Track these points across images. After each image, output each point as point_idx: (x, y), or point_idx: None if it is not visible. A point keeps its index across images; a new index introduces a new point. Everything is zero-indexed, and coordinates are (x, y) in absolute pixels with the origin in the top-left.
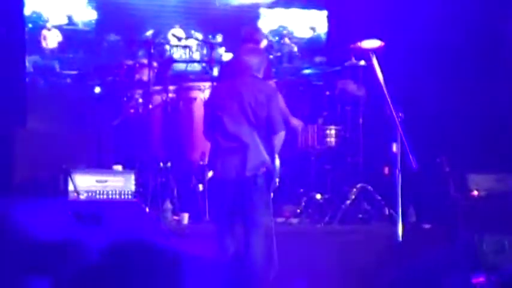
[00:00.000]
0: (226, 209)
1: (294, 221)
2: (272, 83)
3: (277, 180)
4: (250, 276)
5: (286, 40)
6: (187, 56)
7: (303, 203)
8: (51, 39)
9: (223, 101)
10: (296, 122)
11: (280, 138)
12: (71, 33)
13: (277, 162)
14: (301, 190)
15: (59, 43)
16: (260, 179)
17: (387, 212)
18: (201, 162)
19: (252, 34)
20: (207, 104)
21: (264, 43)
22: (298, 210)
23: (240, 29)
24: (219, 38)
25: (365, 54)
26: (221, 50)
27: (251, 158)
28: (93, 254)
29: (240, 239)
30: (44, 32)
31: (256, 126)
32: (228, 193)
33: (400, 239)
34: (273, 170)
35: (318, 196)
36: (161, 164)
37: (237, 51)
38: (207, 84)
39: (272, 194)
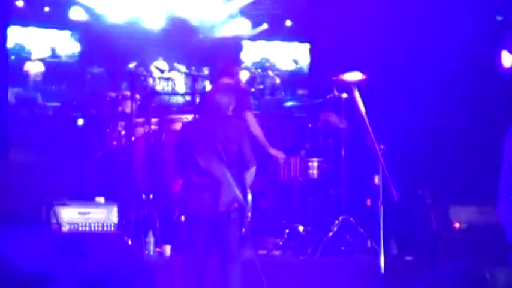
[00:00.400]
0: (201, 243)
1: (277, 253)
2: (250, 114)
3: (249, 215)
4: None
5: (269, 72)
6: (170, 88)
7: (286, 235)
8: (35, 71)
9: (194, 138)
10: (276, 153)
11: (251, 173)
12: (54, 66)
13: (249, 197)
14: (284, 222)
15: (42, 75)
16: (233, 214)
17: (369, 244)
18: None
19: (228, 68)
20: (178, 141)
21: (245, 75)
22: (281, 242)
23: (218, 62)
24: (206, 71)
25: (347, 86)
26: (206, 82)
27: (224, 194)
28: (75, 285)
29: (214, 272)
30: (28, 64)
31: (227, 162)
32: (202, 228)
33: (382, 271)
34: (245, 205)
35: (301, 228)
36: (143, 196)
37: (214, 85)
38: (190, 116)
39: (244, 230)
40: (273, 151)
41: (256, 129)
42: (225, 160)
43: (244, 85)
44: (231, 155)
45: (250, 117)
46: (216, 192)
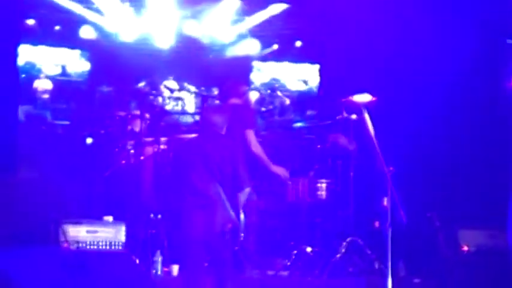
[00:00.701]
0: (197, 262)
1: (284, 273)
2: (251, 132)
3: (242, 235)
4: None
5: (278, 93)
6: (180, 107)
7: (293, 256)
8: (43, 89)
9: (189, 158)
10: (279, 171)
11: (245, 194)
12: (64, 84)
13: (242, 216)
14: (292, 243)
15: (51, 93)
16: (227, 235)
17: (377, 266)
18: None
19: (236, 88)
20: (174, 161)
21: (254, 96)
22: (289, 263)
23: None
24: (215, 91)
25: (356, 108)
26: (215, 102)
27: (218, 215)
28: None
29: None
30: (37, 82)
31: (221, 182)
32: (197, 247)
33: None
34: (239, 225)
35: (309, 249)
36: (152, 215)
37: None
38: None
39: (237, 248)
40: (275, 168)
41: (256, 148)
42: (220, 180)
43: (251, 104)
44: (225, 175)
45: (251, 136)
46: (209, 214)
